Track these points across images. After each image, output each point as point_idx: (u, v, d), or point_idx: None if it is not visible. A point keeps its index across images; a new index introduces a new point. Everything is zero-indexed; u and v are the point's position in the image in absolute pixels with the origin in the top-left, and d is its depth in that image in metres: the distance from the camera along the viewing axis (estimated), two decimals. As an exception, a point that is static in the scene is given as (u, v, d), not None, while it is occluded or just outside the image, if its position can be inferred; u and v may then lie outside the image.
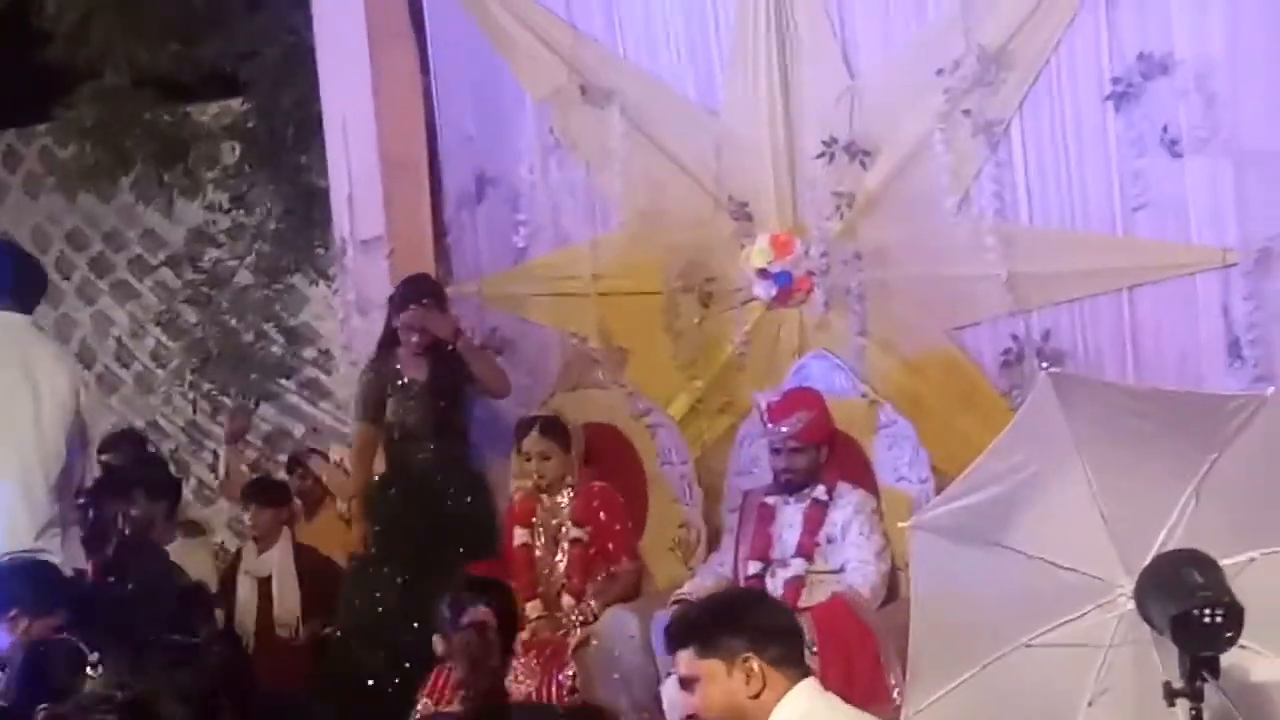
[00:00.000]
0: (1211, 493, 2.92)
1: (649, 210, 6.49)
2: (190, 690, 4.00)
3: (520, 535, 5.92)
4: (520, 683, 5.50)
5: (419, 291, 6.24)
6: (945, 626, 3.13)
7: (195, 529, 7.36)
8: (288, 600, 6.69)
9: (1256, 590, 2.83)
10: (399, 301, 6.24)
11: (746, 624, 3.01)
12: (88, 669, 4.03)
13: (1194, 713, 2.66)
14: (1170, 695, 2.70)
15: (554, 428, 5.91)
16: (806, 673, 3.04)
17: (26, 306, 5.50)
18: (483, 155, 6.85)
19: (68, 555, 5.38)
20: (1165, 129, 5.58)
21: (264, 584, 6.74)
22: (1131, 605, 2.91)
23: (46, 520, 5.22)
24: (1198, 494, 2.92)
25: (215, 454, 8.34)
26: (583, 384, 6.43)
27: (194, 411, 8.45)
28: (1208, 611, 2.71)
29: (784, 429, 5.50)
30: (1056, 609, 3.00)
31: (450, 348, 6.14)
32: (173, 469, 7.80)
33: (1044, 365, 5.16)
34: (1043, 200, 5.85)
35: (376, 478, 6.32)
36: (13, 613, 4.62)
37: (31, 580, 4.78)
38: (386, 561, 6.05)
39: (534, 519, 5.93)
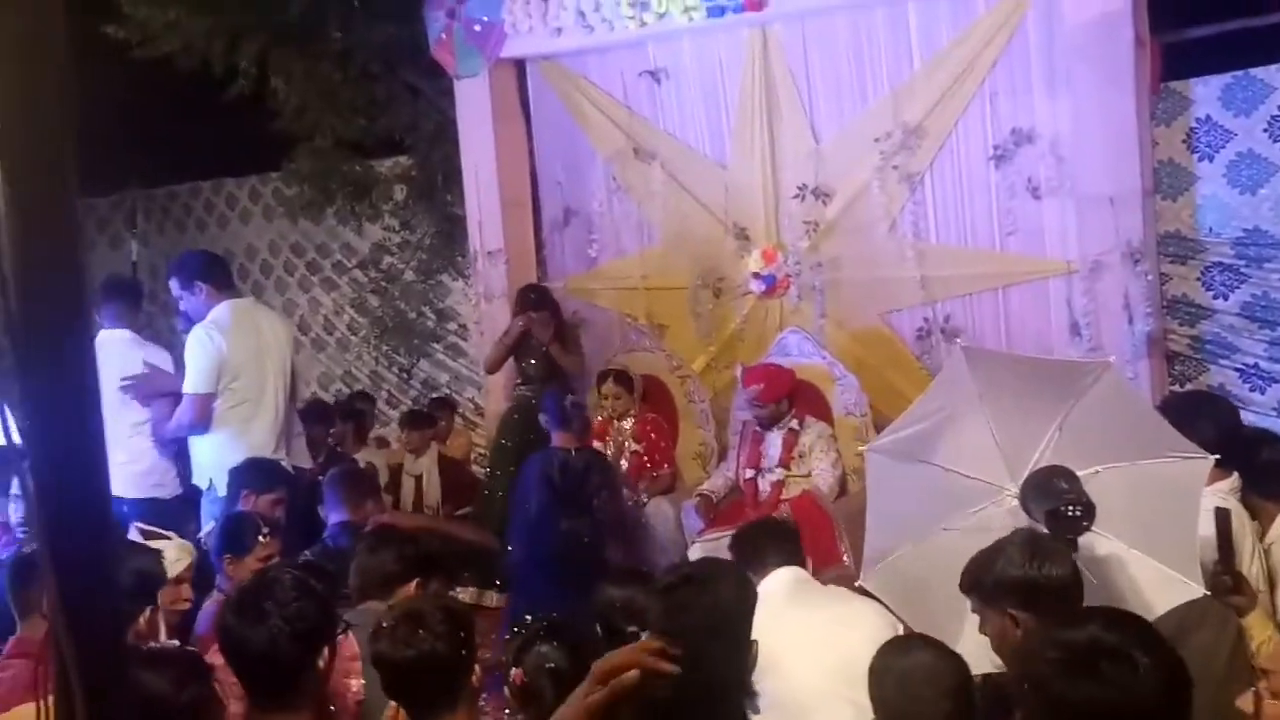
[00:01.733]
0: (1071, 427, 2.88)
1: (679, 232, 6.42)
2: None
3: (598, 447, 5.90)
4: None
5: (527, 302, 6.21)
6: (889, 517, 3.10)
7: (380, 443, 7.35)
8: (432, 492, 6.68)
9: (1100, 492, 2.79)
10: (516, 303, 6.26)
11: None
12: (260, 536, 3.97)
13: (1059, 575, 2.62)
14: (1043, 564, 2.66)
15: (623, 377, 5.90)
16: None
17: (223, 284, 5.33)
18: (568, 195, 6.78)
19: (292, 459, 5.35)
20: (1029, 179, 5.52)
21: (418, 480, 6.72)
22: (1016, 503, 2.88)
23: (280, 435, 5.21)
24: (1061, 428, 2.89)
25: (389, 393, 8.36)
26: (636, 348, 6.38)
27: (375, 364, 8.44)
28: (1070, 508, 2.69)
29: (748, 394, 5.47)
30: (964, 504, 2.97)
31: (544, 347, 6.12)
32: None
33: (954, 340, 5.07)
34: (945, 226, 5.78)
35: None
36: (245, 491, 4.59)
37: (261, 470, 4.74)
38: (506, 465, 6.03)
39: (607, 436, 5.91)
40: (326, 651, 2.32)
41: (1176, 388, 5.30)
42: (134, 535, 3.58)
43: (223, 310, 5.11)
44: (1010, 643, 2.40)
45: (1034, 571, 2.44)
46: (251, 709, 2.30)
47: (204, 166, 8.97)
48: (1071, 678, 1.64)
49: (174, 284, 5.20)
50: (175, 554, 3.42)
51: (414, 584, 3.42)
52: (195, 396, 5.00)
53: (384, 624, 2.36)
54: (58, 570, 1.12)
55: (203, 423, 5.03)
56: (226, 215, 9.21)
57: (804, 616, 2.92)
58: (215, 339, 5.01)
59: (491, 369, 6.47)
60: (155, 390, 5.14)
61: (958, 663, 2.36)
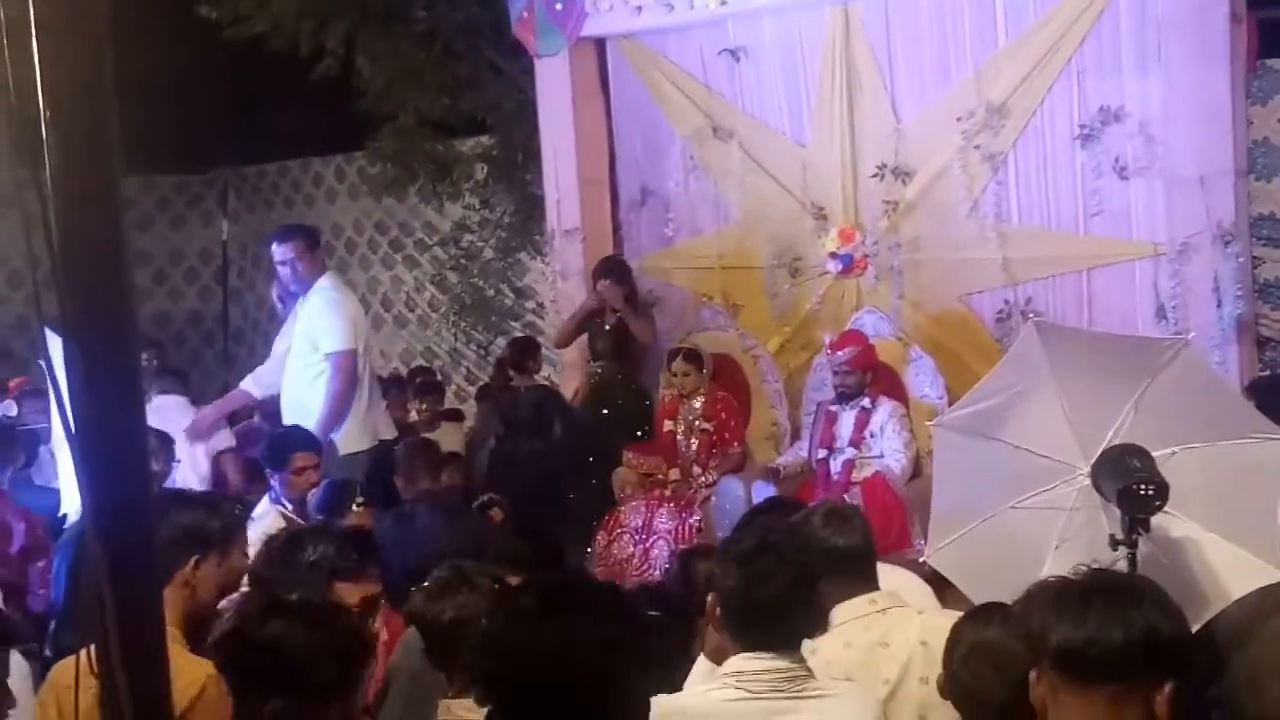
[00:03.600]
0: (1146, 406, 2.80)
1: (755, 212, 6.38)
2: None
3: (668, 425, 5.93)
4: (663, 523, 5.53)
5: (603, 270, 6.29)
6: (957, 493, 3.06)
7: (456, 415, 7.44)
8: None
9: (1176, 473, 2.71)
10: (595, 275, 6.30)
11: None
12: (355, 505, 4.06)
13: (1131, 556, 2.57)
14: (1114, 544, 2.62)
15: (692, 355, 5.89)
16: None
17: None
18: (645, 173, 6.78)
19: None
20: (1116, 159, 5.40)
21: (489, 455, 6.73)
22: (1088, 481, 2.80)
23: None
24: (1136, 406, 2.80)
25: (468, 369, 8.46)
26: (709, 327, 6.37)
27: (455, 340, 8.55)
28: (1142, 486, 2.62)
29: (839, 356, 5.43)
30: (1035, 482, 2.90)
31: (616, 313, 6.16)
32: (439, 376, 7.93)
33: (1028, 315, 4.98)
34: (1028, 208, 5.67)
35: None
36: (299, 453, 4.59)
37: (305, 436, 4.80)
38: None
39: (677, 414, 5.92)
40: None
41: (1267, 374, 5.13)
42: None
43: (336, 279, 5.34)
44: None
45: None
46: None
47: (292, 146, 9.16)
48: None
49: (290, 247, 5.24)
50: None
51: None
52: (347, 354, 5.11)
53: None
54: (107, 549, 1.16)
55: (354, 382, 5.14)
56: (313, 194, 9.39)
57: None
58: (353, 299, 5.26)
59: (561, 344, 6.52)
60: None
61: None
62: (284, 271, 5.30)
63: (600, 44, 6.77)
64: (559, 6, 6.53)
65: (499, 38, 7.06)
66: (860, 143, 6.00)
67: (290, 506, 4.34)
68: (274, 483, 4.48)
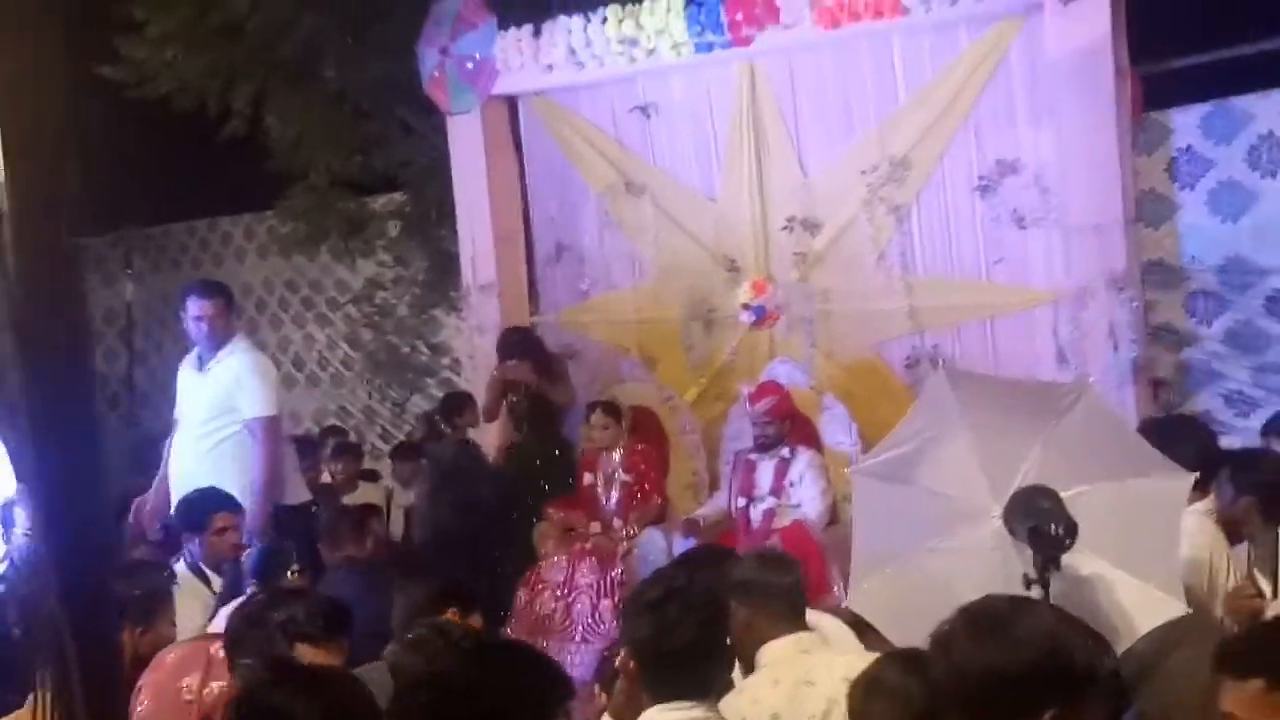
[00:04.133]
0: (1053, 447, 2.88)
1: (669, 265, 6.47)
2: None
3: (588, 478, 5.93)
4: (584, 577, 5.51)
5: (505, 349, 6.23)
6: (875, 538, 3.11)
7: (373, 475, 7.34)
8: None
9: (1084, 511, 2.79)
10: (499, 354, 6.26)
11: None
12: (290, 573, 3.99)
13: (1044, 593, 2.63)
14: (1028, 583, 2.67)
15: (610, 408, 5.92)
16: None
17: None
18: (560, 229, 6.83)
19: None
20: (1014, 210, 5.58)
21: (406, 512, 6.69)
22: (1000, 523, 2.87)
23: None
24: (1044, 448, 2.89)
25: (383, 427, 8.37)
26: (627, 380, 6.41)
27: (369, 398, 8.46)
28: (1052, 526, 2.69)
29: (758, 408, 5.50)
30: (950, 525, 2.96)
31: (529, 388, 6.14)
32: (352, 436, 7.84)
33: (938, 364, 5.11)
34: (932, 257, 5.83)
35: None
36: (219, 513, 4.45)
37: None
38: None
39: (597, 468, 5.93)
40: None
41: (1163, 414, 5.33)
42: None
43: (249, 341, 5.28)
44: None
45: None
46: None
47: (199, 205, 9.02)
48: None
49: (210, 305, 5.10)
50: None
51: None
52: (274, 419, 5.04)
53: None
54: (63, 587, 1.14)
55: (281, 447, 5.11)
56: (221, 253, 9.25)
57: None
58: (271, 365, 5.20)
59: (489, 418, 6.46)
60: None
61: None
62: (198, 328, 5.09)
63: (512, 101, 6.83)
64: (470, 65, 6.59)
65: (410, 96, 7.07)
66: (769, 196, 6.12)
67: (206, 572, 4.22)
68: (190, 546, 4.33)
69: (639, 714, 2.28)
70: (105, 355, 9.60)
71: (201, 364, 5.15)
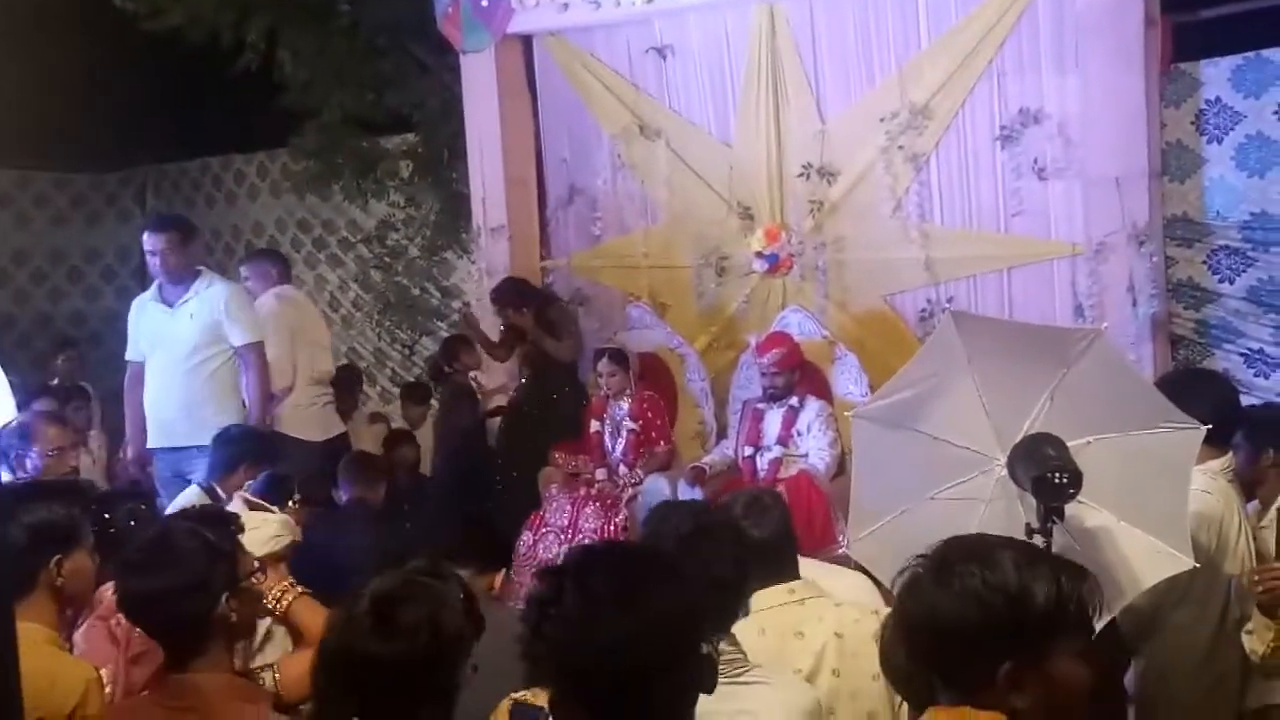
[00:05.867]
0: (1061, 396, 2.80)
1: (682, 211, 6.38)
2: None
3: (595, 425, 5.88)
4: (588, 522, 5.48)
5: (499, 299, 6.22)
6: (876, 485, 3.04)
7: (379, 418, 7.33)
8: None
9: (1091, 462, 2.72)
10: (491, 300, 6.29)
11: None
12: (290, 501, 3.97)
13: (1046, 545, 2.57)
14: (1029, 533, 2.61)
15: (618, 355, 5.86)
16: None
17: None
18: (573, 172, 6.73)
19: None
20: (1035, 160, 5.48)
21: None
22: (1004, 471, 2.80)
23: None
24: (1052, 396, 2.81)
25: (393, 369, 8.34)
26: (636, 326, 6.34)
27: (379, 340, 8.42)
28: (1057, 475, 2.62)
29: (766, 360, 5.43)
30: (953, 473, 2.89)
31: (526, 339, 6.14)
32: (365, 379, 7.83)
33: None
34: (950, 208, 5.73)
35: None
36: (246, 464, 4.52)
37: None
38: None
39: (604, 415, 5.88)
40: (234, 601, 2.22)
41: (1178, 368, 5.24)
42: (239, 505, 3.34)
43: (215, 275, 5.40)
44: None
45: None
46: (165, 665, 2.23)
47: (213, 142, 8.95)
48: None
49: (165, 238, 5.17)
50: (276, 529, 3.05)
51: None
52: (260, 344, 5.25)
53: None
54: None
55: (267, 370, 5.31)
56: (234, 191, 9.19)
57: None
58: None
59: (500, 361, 6.45)
60: None
61: None
62: (153, 263, 5.19)
63: (527, 41, 6.71)
64: (485, 3, 6.47)
65: (424, 34, 6.96)
66: (786, 143, 6.01)
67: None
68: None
69: None
70: (118, 292, 9.59)
71: (169, 300, 5.23)
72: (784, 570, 2.63)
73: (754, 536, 2.57)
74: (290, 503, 3.94)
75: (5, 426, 4.18)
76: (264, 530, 2.90)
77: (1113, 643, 3.05)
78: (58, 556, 2.36)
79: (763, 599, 2.50)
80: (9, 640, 1.12)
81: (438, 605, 1.93)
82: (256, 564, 2.39)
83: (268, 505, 3.32)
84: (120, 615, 2.45)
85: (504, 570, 3.56)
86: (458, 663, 1.93)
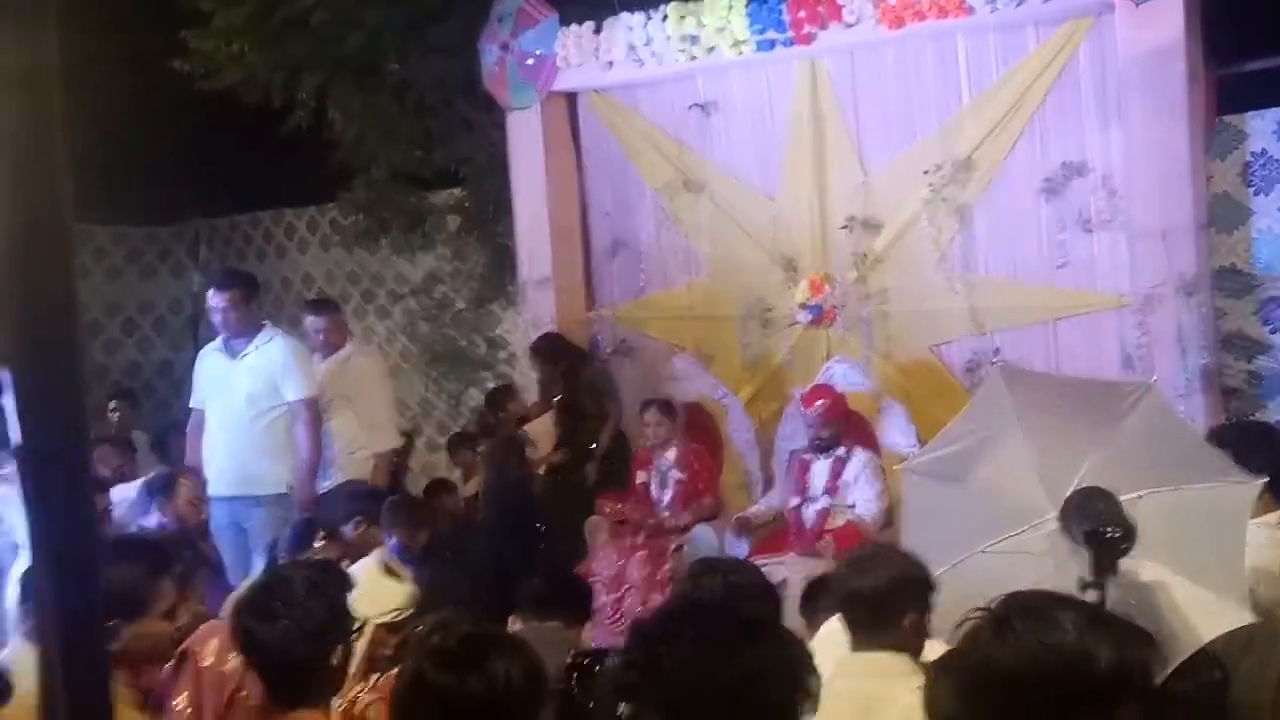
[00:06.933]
0: (1112, 450, 2.82)
1: (726, 263, 6.44)
2: None
3: (641, 476, 5.92)
4: (635, 572, 5.49)
5: (535, 355, 6.47)
6: (926, 538, 3.03)
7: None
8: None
9: (1143, 517, 2.73)
10: (531, 357, 6.55)
11: None
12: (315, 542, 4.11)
13: (1100, 598, 2.57)
14: (1083, 587, 2.61)
15: (665, 406, 5.91)
16: None
17: None
18: (617, 226, 6.83)
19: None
20: (1080, 213, 5.49)
21: (470, 500, 6.72)
22: (1056, 525, 2.81)
23: None
24: (1102, 451, 2.82)
25: (439, 420, 8.42)
26: (681, 378, 6.39)
27: (426, 390, 8.51)
28: (1109, 530, 2.62)
29: (811, 412, 5.45)
30: (1004, 527, 2.90)
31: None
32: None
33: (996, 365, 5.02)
34: (995, 259, 5.75)
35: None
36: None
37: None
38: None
39: (651, 465, 5.91)
40: (341, 650, 2.33)
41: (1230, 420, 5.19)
42: (374, 564, 3.38)
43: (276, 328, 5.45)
44: None
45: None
46: (269, 705, 2.32)
47: (264, 197, 9.15)
48: None
49: (229, 295, 5.33)
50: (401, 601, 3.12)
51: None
52: (316, 399, 5.36)
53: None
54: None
55: (320, 427, 5.41)
56: (285, 245, 9.37)
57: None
58: None
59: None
60: None
61: None
62: (218, 318, 5.35)
63: (571, 98, 6.84)
64: (530, 61, 6.61)
65: (471, 91, 7.11)
66: (829, 195, 6.07)
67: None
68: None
69: None
70: (171, 343, 9.77)
71: (232, 351, 5.39)
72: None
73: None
74: (316, 542, 4.05)
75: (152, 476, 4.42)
76: (388, 600, 3.00)
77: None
78: (116, 621, 2.41)
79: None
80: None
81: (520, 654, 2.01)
82: (358, 624, 2.48)
83: (400, 571, 3.38)
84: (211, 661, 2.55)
85: (587, 623, 3.58)
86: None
